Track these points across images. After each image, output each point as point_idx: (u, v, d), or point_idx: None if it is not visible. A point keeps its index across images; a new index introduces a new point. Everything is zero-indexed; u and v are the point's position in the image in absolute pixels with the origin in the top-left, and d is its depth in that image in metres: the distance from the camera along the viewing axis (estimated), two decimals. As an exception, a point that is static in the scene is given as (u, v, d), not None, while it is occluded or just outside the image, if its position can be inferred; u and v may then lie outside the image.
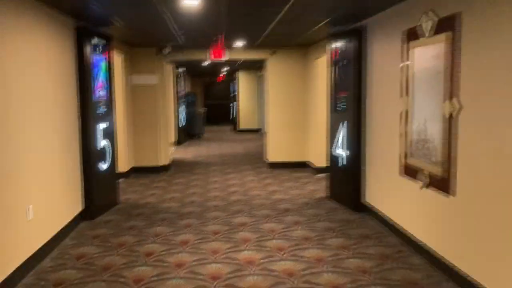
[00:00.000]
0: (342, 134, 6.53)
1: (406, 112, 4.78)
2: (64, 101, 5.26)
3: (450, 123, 3.88)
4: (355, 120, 6.16)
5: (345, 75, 6.43)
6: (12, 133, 3.88)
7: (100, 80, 6.16)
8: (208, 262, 4.38)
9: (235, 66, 16.68)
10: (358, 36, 6.06)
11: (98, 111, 6.07)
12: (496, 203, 3.33)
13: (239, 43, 8.75)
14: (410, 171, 4.72)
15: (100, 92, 6.15)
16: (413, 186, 4.66)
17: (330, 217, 5.94)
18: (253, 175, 9.02)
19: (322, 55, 8.50)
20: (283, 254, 4.57)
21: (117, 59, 8.42)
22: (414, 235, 4.67)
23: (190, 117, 16.75)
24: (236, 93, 19.50)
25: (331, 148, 6.90)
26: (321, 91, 8.77)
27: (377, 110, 5.71)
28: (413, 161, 4.66)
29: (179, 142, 14.47)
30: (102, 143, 6.19)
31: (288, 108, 9.69)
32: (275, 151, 9.74)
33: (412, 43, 4.62)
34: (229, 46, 9.30)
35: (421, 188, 4.41)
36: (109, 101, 6.46)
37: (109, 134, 6.43)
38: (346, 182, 6.44)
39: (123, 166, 8.56)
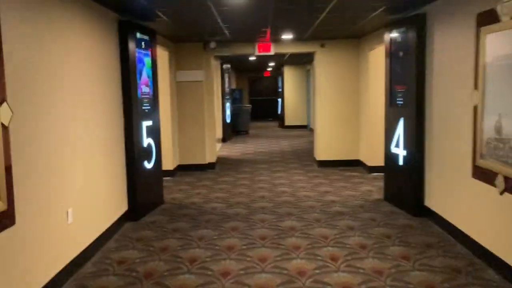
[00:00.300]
0: (400, 131, 6.00)
1: (478, 108, 4.22)
2: (108, 98, 5.08)
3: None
4: (415, 116, 5.62)
5: (403, 67, 5.90)
6: (55, 132, 3.70)
7: (144, 76, 5.97)
8: (255, 272, 4.04)
9: (282, 61, 16.28)
10: (419, 24, 5.51)
11: (142, 108, 5.87)
12: None
13: (287, 36, 8.35)
14: (482, 174, 4.17)
15: (144, 89, 5.95)
16: (486, 190, 4.11)
17: (388, 222, 5.46)
18: (302, 174, 8.62)
19: (376, 47, 7.97)
20: (337, 265, 4.16)
21: (163, 55, 8.26)
22: (488, 246, 4.11)
23: (236, 113, 16.53)
24: (282, 88, 19.07)
25: (387, 146, 6.39)
26: (375, 85, 8.24)
27: (441, 105, 5.16)
28: (485, 163, 4.10)
29: (224, 139, 14.27)
30: (147, 141, 5.99)
31: (338, 104, 9.20)
32: (325, 149, 9.28)
33: (485, 29, 4.05)
34: (276, 40, 8.93)
35: (501, 193, 3.86)
36: (154, 98, 6.26)
37: (154, 132, 6.23)
38: (404, 183, 5.92)
39: (169, 164, 8.41)
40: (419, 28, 5.50)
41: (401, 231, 5.09)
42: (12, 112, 2.98)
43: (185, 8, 5.57)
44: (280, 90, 19.51)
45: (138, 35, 5.79)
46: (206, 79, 9.22)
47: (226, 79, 14.90)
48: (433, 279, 3.81)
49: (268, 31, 7.66)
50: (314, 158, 9.90)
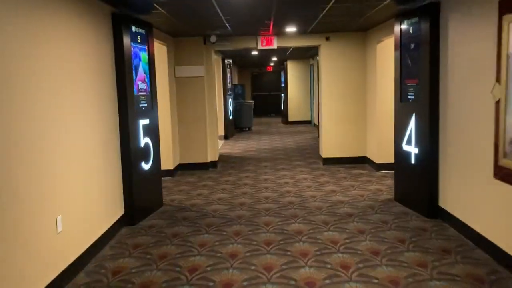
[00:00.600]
0: (411, 127, 5.67)
1: (500, 102, 3.88)
2: (102, 95, 4.77)
3: None
4: (427, 111, 5.29)
5: (415, 59, 5.56)
6: (39, 134, 3.38)
7: (141, 72, 5.64)
8: (260, 282, 3.73)
9: (285, 55, 15.92)
10: (432, 14, 5.16)
11: (139, 106, 5.56)
12: None
13: (291, 29, 8.01)
14: (505, 174, 3.84)
15: (141, 85, 5.63)
16: (510, 192, 3.78)
17: (400, 224, 5.14)
18: (307, 172, 8.29)
19: (384, 39, 7.63)
20: (349, 274, 3.84)
21: (161, 50, 7.94)
22: (513, 253, 3.80)
23: (238, 109, 16.20)
24: (285, 83, 18.72)
25: (398, 143, 6.05)
26: (383, 79, 7.91)
27: (457, 99, 4.82)
28: (509, 162, 3.77)
29: (227, 136, 13.95)
30: (144, 140, 5.68)
31: (344, 99, 8.86)
32: (330, 146, 8.94)
33: (509, 17, 3.71)
34: (279, 33, 8.59)
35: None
36: (151, 95, 5.94)
37: (152, 130, 5.92)
38: (417, 183, 5.60)
39: (168, 163, 8.11)
40: (432, 18, 5.16)
41: (415, 235, 4.77)
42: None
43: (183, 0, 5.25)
44: (283, 85, 19.16)
45: (133, 28, 5.46)
46: (207, 75, 8.89)
47: (228, 75, 14.57)
48: (454, 290, 3.50)
49: (271, 24, 7.32)
50: (319, 155, 9.58)
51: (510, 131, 3.74)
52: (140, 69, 5.64)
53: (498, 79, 3.90)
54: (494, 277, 3.71)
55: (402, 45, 5.86)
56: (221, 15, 6.23)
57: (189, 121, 8.78)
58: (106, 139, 4.86)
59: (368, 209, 5.76)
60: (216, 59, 12.62)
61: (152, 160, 5.90)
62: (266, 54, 15.09)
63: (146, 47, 5.82)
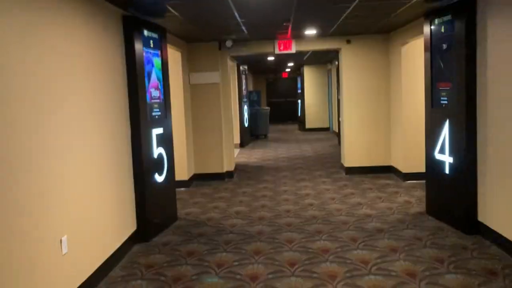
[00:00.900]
0: (445, 135, 5.23)
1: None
2: (112, 104, 4.44)
3: None
4: (464, 117, 4.85)
5: (448, 61, 5.13)
6: (42, 145, 3.05)
7: (153, 79, 5.32)
8: (286, 311, 3.33)
9: (301, 61, 15.55)
10: (468, 11, 4.74)
11: (152, 115, 5.23)
12: None
13: (310, 32, 7.64)
14: None
15: (154, 93, 5.31)
16: None
17: (436, 241, 4.69)
18: (329, 182, 7.87)
19: (409, 41, 7.22)
20: (386, 301, 3.43)
21: (175, 56, 7.64)
22: None
23: (253, 116, 15.84)
24: (301, 89, 18.32)
25: (430, 152, 5.61)
26: (408, 83, 7.48)
27: (498, 104, 4.37)
28: None
29: (242, 144, 13.59)
30: (157, 151, 5.34)
31: (367, 104, 8.43)
32: (353, 154, 8.51)
33: None
34: (298, 36, 8.23)
35: None
36: (165, 103, 5.61)
37: (166, 140, 5.58)
38: (452, 195, 5.14)
39: (183, 174, 7.78)
40: (468, 15, 4.73)
41: (454, 253, 4.31)
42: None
43: (198, 1, 4.91)
44: (299, 91, 18.77)
45: (146, 32, 5.15)
46: (223, 81, 8.55)
47: (243, 81, 14.24)
48: (509, 322, 3.05)
49: (290, 26, 6.96)
50: (341, 164, 9.14)
51: None
52: (153, 76, 5.32)
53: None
54: (553, 306, 3.25)
55: (432, 46, 5.44)
56: (237, 17, 5.89)
57: (205, 129, 8.44)
58: (117, 150, 4.54)
59: (399, 224, 5.32)
60: (231, 65, 12.31)
61: (166, 172, 5.56)
62: (282, 60, 14.74)
63: (159, 52, 5.50)
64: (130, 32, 4.82)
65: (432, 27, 5.42)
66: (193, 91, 8.37)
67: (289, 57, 13.66)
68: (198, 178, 8.44)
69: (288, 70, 20.86)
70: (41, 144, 3.08)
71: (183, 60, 7.87)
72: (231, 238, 5.03)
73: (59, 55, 3.42)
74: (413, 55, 7.41)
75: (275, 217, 5.80)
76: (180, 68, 7.76)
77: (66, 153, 3.46)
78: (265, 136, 16.29)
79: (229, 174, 8.65)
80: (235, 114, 13.26)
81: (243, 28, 6.87)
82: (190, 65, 8.32)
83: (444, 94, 5.23)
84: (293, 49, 8.49)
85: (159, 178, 5.37)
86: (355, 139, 8.48)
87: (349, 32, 7.93)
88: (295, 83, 21.01)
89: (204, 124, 8.44)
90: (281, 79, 23.28)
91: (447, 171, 5.22)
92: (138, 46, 4.91)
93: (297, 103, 19.40)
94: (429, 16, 5.48)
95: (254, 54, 9.34)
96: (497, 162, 4.46)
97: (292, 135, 16.96)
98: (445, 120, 5.19)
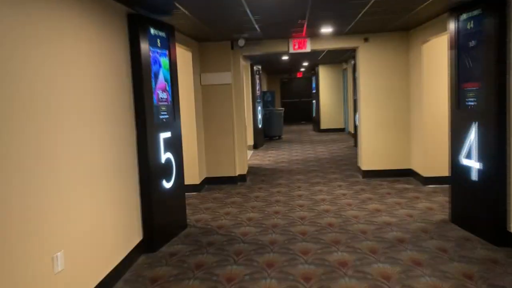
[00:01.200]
0: (472, 138, 4.87)
1: None
2: (116, 106, 4.19)
3: None
4: (494, 120, 4.49)
5: (476, 60, 4.77)
6: (36, 149, 2.81)
7: (161, 80, 5.07)
8: (302, 335, 3.03)
9: (316, 60, 15.21)
10: (499, 5, 4.38)
11: (159, 118, 4.97)
12: None
13: (326, 30, 7.31)
14: None
15: (161, 95, 5.05)
16: None
17: (464, 253, 4.33)
18: (345, 186, 7.53)
19: (431, 38, 6.85)
20: (411, 324, 3.10)
21: (186, 56, 7.38)
22: None
23: (267, 117, 15.54)
24: (316, 89, 17.96)
25: (455, 157, 5.25)
26: (430, 83, 7.11)
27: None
28: None
29: (256, 146, 13.30)
30: (165, 156, 5.09)
31: (385, 105, 8.07)
32: (370, 157, 8.15)
33: None
34: (313, 35, 7.91)
35: None
36: (173, 105, 5.35)
37: (174, 144, 5.32)
38: (480, 203, 4.78)
39: (194, 177, 7.53)
40: (499, 10, 4.37)
41: (485, 268, 3.96)
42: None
43: (207, -3, 4.65)
44: (314, 91, 18.41)
45: (152, 31, 4.89)
46: (235, 82, 8.28)
47: (257, 81, 13.94)
48: None
49: (305, 24, 6.65)
50: (357, 167, 8.79)
51: None
52: (161, 77, 5.06)
53: None
54: None
55: (458, 44, 5.08)
56: (249, 14, 5.60)
57: (216, 132, 8.18)
58: (121, 156, 4.28)
59: (421, 233, 4.97)
60: (244, 65, 12.04)
61: (175, 178, 5.29)
62: (296, 59, 14.43)
63: (167, 52, 5.24)
64: (135, 31, 4.56)
65: (458, 23, 5.06)
66: (204, 92, 8.11)
67: (304, 56, 13.35)
68: (210, 182, 8.18)
69: (302, 69, 20.52)
70: (35, 147, 2.83)
71: (194, 60, 7.61)
72: (243, 248, 4.75)
73: (58, 55, 3.17)
74: (435, 53, 7.04)
75: (289, 225, 5.50)
76: (191, 68, 7.50)
77: (64, 158, 3.20)
78: (279, 137, 15.98)
79: (241, 178, 8.37)
80: (248, 115, 12.99)
81: (256, 26, 6.58)
82: (202, 65, 8.06)
83: (472, 94, 4.87)
84: (308, 48, 8.17)
85: (167, 185, 5.11)
86: (372, 141, 8.13)
87: (367, 30, 7.59)
88: (310, 83, 20.66)
89: (216, 126, 8.17)
90: (295, 79, 22.94)
91: (474, 178, 4.86)
92: (144, 45, 4.65)
93: (312, 104, 19.05)
94: (455, 11, 5.12)
95: (268, 54, 9.04)
96: (531, 169, 4.09)
97: (306, 136, 16.62)
98: (473, 123, 4.83)
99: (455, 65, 5.15)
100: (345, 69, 16.27)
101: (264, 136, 15.10)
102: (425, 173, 7.29)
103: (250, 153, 12.21)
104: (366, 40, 8.00)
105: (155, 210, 4.80)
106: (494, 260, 4.15)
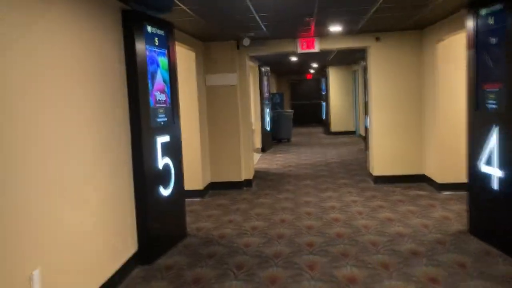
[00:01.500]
0: (493, 144, 4.50)
1: None
2: (109, 109, 3.91)
3: None
4: (517, 124, 4.12)
5: (498, 59, 4.40)
6: (16, 155, 2.52)
7: (159, 81, 4.77)
8: None
9: (326, 61, 14.86)
10: (522, -2, 4.02)
11: (156, 121, 4.67)
12: None
13: (335, 28, 6.97)
14: None
15: (159, 96, 4.76)
16: None
17: (484, 269, 3.96)
18: (356, 193, 7.17)
19: (446, 37, 6.50)
20: None
21: (189, 56, 7.10)
22: None
23: (276, 119, 15.20)
24: (326, 91, 17.59)
25: (473, 163, 4.88)
26: (445, 84, 6.77)
27: None
28: None
29: (264, 149, 12.97)
30: (163, 161, 4.79)
31: (397, 107, 7.70)
32: (382, 162, 7.78)
33: None
34: (321, 34, 7.58)
35: None
36: (173, 107, 5.05)
37: (173, 149, 5.02)
38: (502, 214, 4.40)
39: (197, 183, 7.24)
40: (523, 3, 4.01)
41: (508, 287, 3.60)
42: None
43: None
44: (324, 93, 18.04)
45: (149, 29, 4.60)
46: (240, 83, 7.97)
47: (265, 83, 13.63)
48: None
49: (313, 22, 6.32)
50: (368, 172, 8.42)
51: None
52: (158, 77, 4.77)
53: None
54: None
55: (478, 42, 4.72)
56: (253, 11, 5.29)
57: (221, 135, 7.87)
58: (114, 162, 3.99)
59: (438, 246, 4.61)
60: (252, 66, 11.75)
61: (174, 184, 4.99)
62: (305, 60, 14.11)
63: (166, 51, 4.95)
64: (130, 28, 4.27)
65: (477, 19, 4.69)
66: (209, 94, 7.82)
67: (313, 57, 13.01)
68: (214, 187, 7.87)
69: (312, 71, 20.18)
70: (14, 152, 2.55)
71: (198, 60, 7.32)
72: (244, 261, 4.42)
73: (45, 56, 2.88)
74: (451, 53, 6.67)
75: (295, 235, 5.17)
76: (195, 69, 7.21)
77: (48, 164, 2.92)
78: (288, 140, 15.63)
79: (247, 183, 8.05)
80: (256, 118, 12.68)
81: (262, 24, 6.27)
82: (206, 66, 7.77)
83: (492, 96, 4.50)
84: (316, 48, 7.84)
85: (165, 192, 4.81)
86: (384, 144, 7.77)
87: (379, 28, 7.24)
88: (319, 84, 20.30)
89: (221, 130, 7.87)
90: (305, 81, 22.58)
91: (495, 186, 4.49)
92: (140, 44, 4.36)
93: (321, 106, 18.68)
94: (473, 7, 4.75)
95: (275, 54, 8.72)
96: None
97: (316, 138, 16.26)
98: (493, 126, 4.46)
99: (474, 65, 4.78)
100: (356, 71, 15.89)
101: (273, 139, 14.77)
102: (439, 179, 6.91)
103: (257, 156, 11.90)
104: (377, 39, 7.65)
105: (151, 220, 4.50)
106: (519, 277, 3.79)
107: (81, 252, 3.38)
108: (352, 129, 17.06)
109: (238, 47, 7.83)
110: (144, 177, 4.41)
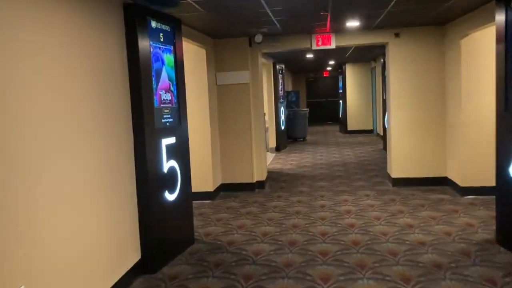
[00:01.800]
0: (524, 147, 4.13)
1: None
2: (110, 109, 3.67)
3: None
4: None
5: (530, 53, 4.03)
6: (11, 161, 2.30)
7: (164, 79, 4.52)
8: None
9: (343, 58, 14.47)
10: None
11: (161, 122, 4.42)
12: None
13: (352, 24, 6.64)
14: None
15: (164, 96, 4.51)
16: None
17: (515, 286, 3.62)
18: (373, 196, 6.83)
19: (470, 32, 6.13)
20: None
21: (199, 53, 6.86)
22: None
23: (291, 118, 14.87)
24: (343, 89, 17.19)
25: (502, 167, 4.51)
26: (469, 82, 6.38)
27: None
28: None
29: (278, 148, 12.67)
30: (168, 164, 4.54)
31: (418, 106, 7.33)
32: (401, 163, 7.42)
33: None
34: (338, 30, 7.26)
35: None
36: (179, 108, 4.79)
37: (179, 151, 4.77)
38: (534, 224, 4.05)
39: (208, 185, 7.00)
40: (560, -7, 3.64)
41: (544, 308, 3.25)
42: None
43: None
44: (341, 91, 17.64)
45: (154, 24, 4.35)
46: (253, 81, 7.69)
47: (280, 81, 13.31)
48: None
49: (328, 17, 6.00)
50: (387, 174, 8.07)
51: None
52: (164, 75, 4.51)
53: None
54: None
55: (508, 36, 4.34)
56: (264, 5, 5.00)
57: (233, 135, 7.61)
58: (115, 166, 3.75)
59: (462, 257, 4.26)
60: (266, 63, 11.46)
61: (180, 188, 4.74)
62: (322, 57, 13.75)
63: (171, 48, 4.69)
64: (132, 23, 4.03)
65: (508, 12, 4.32)
66: (220, 93, 7.56)
67: (329, 54, 12.67)
68: (225, 189, 7.62)
69: (329, 68, 19.79)
70: (8, 158, 2.32)
71: (208, 58, 7.07)
72: (253, 272, 4.15)
73: (41, 53, 2.65)
74: (476, 49, 6.28)
75: (308, 243, 4.87)
76: (205, 67, 6.96)
77: (44, 168, 2.68)
78: (304, 139, 15.30)
79: (259, 184, 7.78)
80: (270, 117, 12.38)
81: (274, 20, 5.98)
82: (217, 63, 7.51)
83: (523, 95, 4.14)
84: (332, 44, 7.52)
85: (171, 197, 4.56)
86: (403, 145, 7.40)
87: (398, 24, 6.88)
88: (336, 82, 19.89)
89: (233, 129, 7.61)
90: (321, 78, 22.18)
91: (526, 193, 4.13)
92: (143, 39, 4.11)
93: (338, 104, 18.29)
94: (503, 0, 4.38)
95: (289, 51, 8.40)
96: None
97: (332, 137, 15.89)
98: (524, 129, 4.10)
99: (504, 61, 4.41)
100: (374, 68, 15.46)
101: (288, 138, 14.46)
102: (462, 182, 6.53)
103: (271, 156, 11.62)
104: (396, 35, 7.29)
105: (155, 226, 4.25)
106: (555, 296, 3.43)
107: (79, 263, 3.14)
108: (370, 128, 16.64)
109: (250, 44, 7.54)
110: (147, 182, 4.16)
